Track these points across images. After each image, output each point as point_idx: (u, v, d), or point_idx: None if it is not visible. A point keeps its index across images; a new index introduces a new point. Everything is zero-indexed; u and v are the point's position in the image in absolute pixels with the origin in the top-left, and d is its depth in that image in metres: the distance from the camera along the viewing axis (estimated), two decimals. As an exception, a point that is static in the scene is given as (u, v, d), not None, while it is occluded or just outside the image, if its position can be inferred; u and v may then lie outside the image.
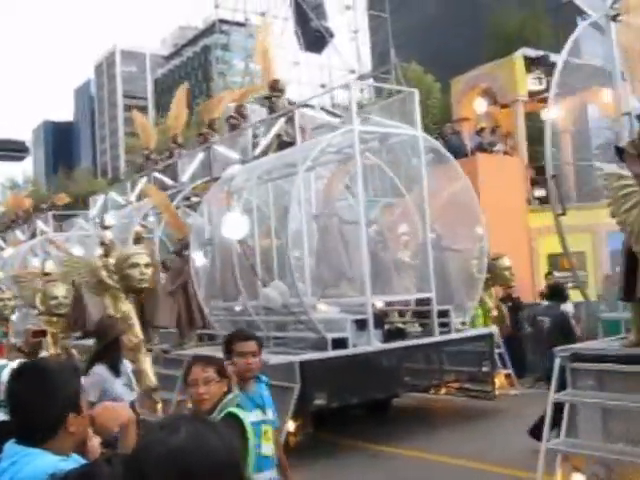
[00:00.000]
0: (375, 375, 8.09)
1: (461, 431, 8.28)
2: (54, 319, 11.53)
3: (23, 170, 63.08)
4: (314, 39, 34.61)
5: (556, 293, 8.39)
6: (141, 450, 1.33)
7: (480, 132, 14.72)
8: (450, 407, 9.57)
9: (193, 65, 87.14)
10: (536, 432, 7.06)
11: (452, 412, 9.40)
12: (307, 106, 9.89)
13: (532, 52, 15.98)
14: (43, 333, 12.51)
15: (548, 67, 14.95)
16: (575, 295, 12.38)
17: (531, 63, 15.25)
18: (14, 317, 12.76)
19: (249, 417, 3.48)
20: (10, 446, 2.00)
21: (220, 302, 9.85)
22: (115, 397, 4.95)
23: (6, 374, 3.29)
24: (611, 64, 6.41)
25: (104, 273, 8.58)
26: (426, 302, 9.03)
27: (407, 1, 58.53)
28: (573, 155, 18.69)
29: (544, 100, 17.54)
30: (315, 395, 7.53)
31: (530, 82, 15.34)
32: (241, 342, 3.71)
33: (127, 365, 5.50)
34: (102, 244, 9.24)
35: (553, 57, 15.65)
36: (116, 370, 5.20)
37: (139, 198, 12.99)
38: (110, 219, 11.97)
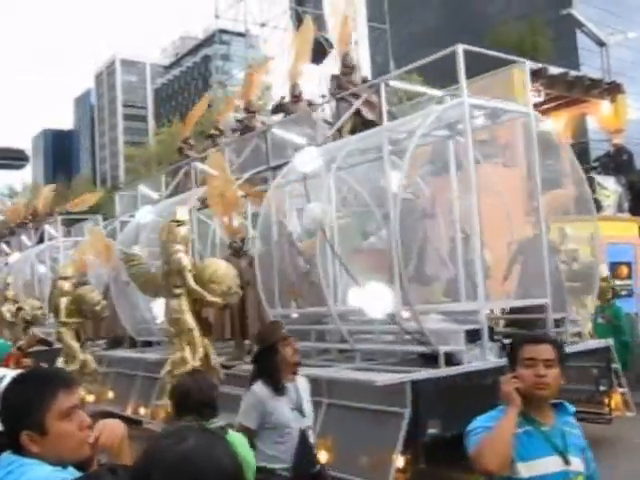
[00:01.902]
0: (490, 397, 6.50)
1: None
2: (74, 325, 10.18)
3: (22, 178, 61.44)
4: (314, 50, 33.87)
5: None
6: (149, 457, 1.27)
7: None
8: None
9: (193, 75, 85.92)
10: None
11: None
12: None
13: (531, 64, 14.85)
14: (47, 343, 11.34)
15: (546, 79, 13.94)
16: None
17: (531, 75, 14.11)
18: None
19: (535, 466, 2.44)
20: (7, 456, 1.92)
21: (279, 309, 8.28)
22: (278, 424, 3.89)
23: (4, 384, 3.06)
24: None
25: (189, 275, 7.11)
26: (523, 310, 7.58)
27: (407, 13, 57.73)
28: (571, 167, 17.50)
29: (543, 112, 16.76)
30: (429, 422, 5.94)
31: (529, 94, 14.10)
32: (530, 346, 2.62)
33: (299, 381, 4.13)
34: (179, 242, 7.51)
35: (552, 69, 14.69)
36: (276, 387, 3.96)
37: (175, 192, 11.38)
38: (145, 215, 10.34)
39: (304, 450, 3.99)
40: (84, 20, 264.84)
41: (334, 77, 8.99)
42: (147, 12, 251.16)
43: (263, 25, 51.71)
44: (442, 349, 6.16)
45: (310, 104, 10.63)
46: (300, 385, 4.14)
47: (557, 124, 16.13)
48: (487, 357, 6.42)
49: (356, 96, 8.36)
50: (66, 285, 10.94)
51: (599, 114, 15.50)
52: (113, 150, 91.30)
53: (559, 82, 14.55)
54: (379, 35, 43.06)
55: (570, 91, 14.82)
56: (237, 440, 3.19)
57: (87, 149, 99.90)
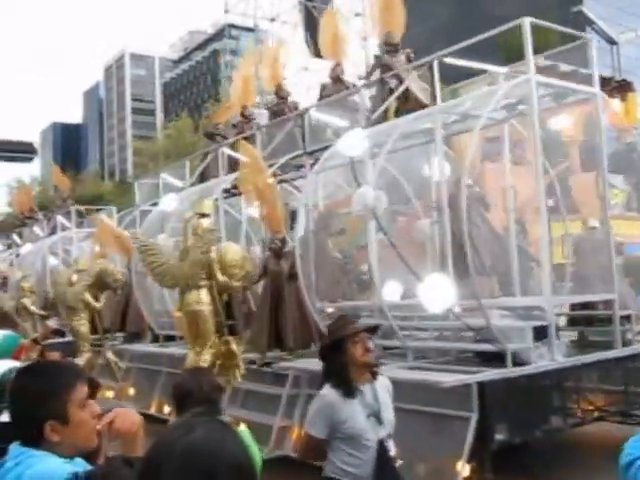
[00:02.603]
0: (558, 400, 5.96)
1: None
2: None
3: (30, 171, 60.88)
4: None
5: None
6: (159, 448, 1.25)
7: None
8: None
9: (202, 69, 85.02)
10: None
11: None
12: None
13: (541, 62, 14.23)
14: (61, 333, 11.34)
15: (557, 77, 13.30)
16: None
17: (540, 73, 13.47)
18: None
19: None
20: (15, 447, 1.92)
21: (318, 304, 7.70)
22: (352, 434, 3.28)
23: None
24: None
25: (217, 267, 6.87)
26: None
27: (418, 9, 56.90)
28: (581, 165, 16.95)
29: (552, 110, 16.18)
30: (497, 428, 5.35)
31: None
32: None
33: (379, 382, 3.48)
34: (199, 234, 7.08)
35: (562, 67, 14.10)
36: (347, 390, 3.33)
37: (201, 179, 10.77)
38: (169, 203, 9.75)
39: (383, 465, 3.41)
40: (94, 14, 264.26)
41: (376, 57, 8.31)
42: (156, 6, 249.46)
43: (272, 20, 51.08)
44: (510, 347, 5.56)
45: (354, 85, 9.93)
46: (379, 387, 3.53)
47: (567, 121, 15.64)
48: (555, 356, 5.83)
49: (398, 77, 7.76)
50: (85, 277, 10.57)
51: (609, 112, 15.03)
52: (121, 144, 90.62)
53: (569, 80, 14.07)
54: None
55: (580, 89, 14.48)
56: (244, 435, 2.94)
57: (95, 142, 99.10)
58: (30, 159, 54.04)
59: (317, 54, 33.98)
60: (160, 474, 1.20)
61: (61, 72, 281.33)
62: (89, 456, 2.02)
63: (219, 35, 78.07)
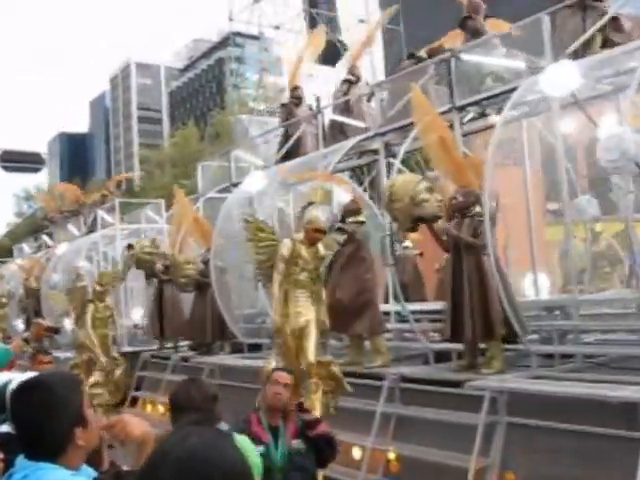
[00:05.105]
0: None
1: None
2: None
3: (37, 182, 59.13)
4: (328, 52, 32.70)
5: None
6: (156, 455, 1.22)
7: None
8: None
9: (207, 78, 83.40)
10: None
11: None
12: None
13: None
14: (56, 331, 10.51)
15: None
16: None
17: None
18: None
19: None
20: (22, 460, 1.88)
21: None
22: None
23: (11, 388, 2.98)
24: None
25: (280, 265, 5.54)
26: None
27: (421, 15, 55.45)
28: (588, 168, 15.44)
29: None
30: None
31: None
32: None
33: None
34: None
35: None
36: None
37: (286, 157, 8.77)
38: (256, 183, 7.78)
39: None
40: (100, 24, 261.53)
41: None
42: (161, 15, 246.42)
43: (277, 28, 49.57)
44: None
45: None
46: None
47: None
48: None
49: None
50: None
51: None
52: (128, 152, 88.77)
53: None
54: (393, 37, 41.57)
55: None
56: (243, 443, 2.78)
57: (102, 152, 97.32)
58: (38, 170, 52.24)
59: (321, 61, 32.52)
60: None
61: (67, 82, 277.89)
62: (89, 461, 1.95)
63: (224, 43, 76.40)
